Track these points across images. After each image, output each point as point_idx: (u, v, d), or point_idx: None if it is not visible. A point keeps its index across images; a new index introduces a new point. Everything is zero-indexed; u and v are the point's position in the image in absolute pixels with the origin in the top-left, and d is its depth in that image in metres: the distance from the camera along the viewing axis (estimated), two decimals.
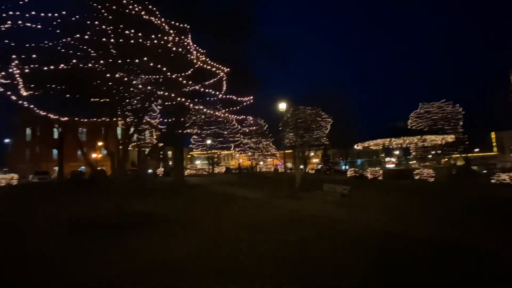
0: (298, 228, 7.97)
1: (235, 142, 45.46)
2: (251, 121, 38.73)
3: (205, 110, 9.36)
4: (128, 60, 7.30)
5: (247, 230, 7.75)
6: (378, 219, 9.19)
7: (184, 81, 8.63)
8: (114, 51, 8.32)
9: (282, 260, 5.50)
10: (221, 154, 54.93)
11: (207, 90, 9.93)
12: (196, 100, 10.80)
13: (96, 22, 7.64)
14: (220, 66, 11.05)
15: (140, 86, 7.59)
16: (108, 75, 6.93)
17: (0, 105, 25.61)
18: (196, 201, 14.33)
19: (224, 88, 11.52)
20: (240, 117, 11.02)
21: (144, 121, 15.15)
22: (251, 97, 11.75)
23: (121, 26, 7.95)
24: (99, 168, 29.86)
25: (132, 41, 7.30)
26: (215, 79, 11.45)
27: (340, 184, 15.77)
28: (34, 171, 36.58)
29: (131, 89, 9.79)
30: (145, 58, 7.28)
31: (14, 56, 6.75)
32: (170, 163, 48.77)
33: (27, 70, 6.84)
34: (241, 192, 17.62)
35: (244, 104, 11.60)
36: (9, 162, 48.93)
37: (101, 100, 14.11)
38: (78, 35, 7.97)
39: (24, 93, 8.80)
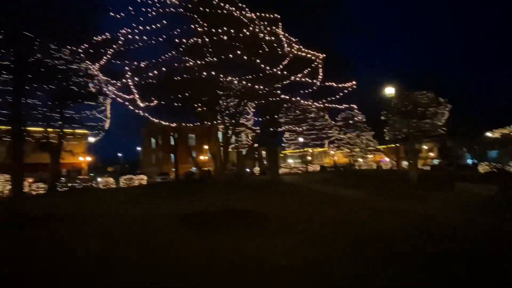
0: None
1: (329, 138, 43.02)
2: (355, 110, 34.98)
3: (302, 101, 8.44)
4: (223, 57, 7.12)
5: (356, 241, 6.32)
6: None
7: (279, 72, 7.95)
8: (210, 56, 8.36)
9: None
10: (314, 152, 53.16)
11: (303, 79, 8.99)
12: (290, 94, 9.98)
13: (192, 26, 7.84)
14: (315, 52, 9.94)
15: (235, 81, 7.31)
16: (204, 74, 6.90)
17: (133, 121, 31.64)
18: (295, 199, 13.53)
19: (321, 76, 10.32)
20: (341, 106, 9.57)
21: (241, 122, 15.45)
22: (354, 82, 10.12)
23: (214, 26, 7.91)
24: (206, 169, 33.04)
25: (225, 37, 7.10)
26: (310, 69, 10.38)
27: (476, 182, 12.08)
28: (158, 173, 44.05)
29: (228, 90, 9.82)
30: (239, 52, 6.93)
31: (127, 68, 7.50)
32: (265, 162, 50.34)
33: (135, 77, 7.51)
34: (341, 191, 15.84)
35: (345, 91, 10.09)
36: (140, 165, 60.83)
37: (203, 108, 14.88)
38: (180, 44, 8.38)
39: (141, 105, 9.89)
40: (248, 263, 5.14)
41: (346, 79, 10.97)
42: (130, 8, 8.31)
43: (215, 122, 12.18)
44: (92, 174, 44.17)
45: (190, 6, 8.48)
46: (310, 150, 47.33)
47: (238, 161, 36.40)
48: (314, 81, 9.38)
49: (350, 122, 41.11)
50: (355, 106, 10.02)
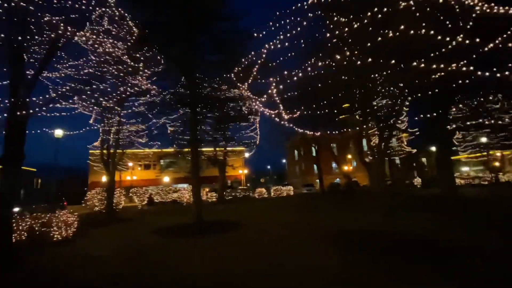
0: None
1: None
2: None
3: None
4: (380, 38, 5.66)
5: None
6: None
7: (467, 41, 5.56)
8: (358, 50, 7.07)
9: None
10: (506, 155, 38.67)
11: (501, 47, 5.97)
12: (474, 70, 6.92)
13: (331, 24, 6.91)
14: None
15: (399, 67, 5.62)
16: (359, 62, 5.69)
17: (278, 135, 33.98)
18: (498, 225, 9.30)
19: None
20: None
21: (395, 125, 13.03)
22: None
23: (362, 11, 6.62)
24: (353, 180, 30.65)
25: (379, 15, 5.65)
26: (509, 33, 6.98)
27: None
28: (302, 184, 45.04)
29: (384, 84, 8.12)
30: (402, 27, 5.28)
31: (271, 79, 7.39)
32: (426, 170, 41.20)
33: (280, 86, 7.26)
34: None
35: None
36: (287, 177, 64.62)
37: (346, 115, 13.39)
38: (322, 45, 7.70)
39: (286, 117, 9.75)
40: None
41: None
42: (270, 23, 8.27)
43: (364, 126, 10.48)
44: (249, 185, 50.70)
45: (329, 0, 7.56)
46: (497, 153, 34.85)
47: (391, 171, 31.36)
48: None
49: None
50: None
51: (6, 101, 6.76)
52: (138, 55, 11.20)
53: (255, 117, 25.46)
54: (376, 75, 7.77)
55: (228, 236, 9.57)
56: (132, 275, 5.93)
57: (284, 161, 66.65)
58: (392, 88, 8.79)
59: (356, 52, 6.64)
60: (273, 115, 9.77)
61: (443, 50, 5.71)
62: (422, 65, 5.20)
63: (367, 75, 7.76)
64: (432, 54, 6.00)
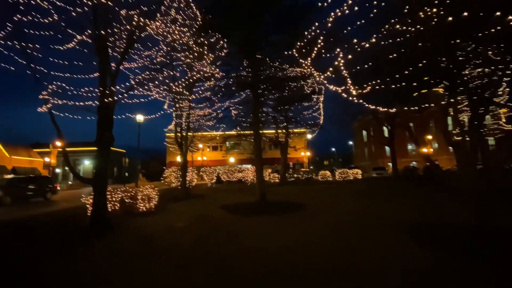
0: None
1: None
2: None
3: None
4: None
5: None
6: None
7: None
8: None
9: None
10: None
11: None
12: None
13: None
14: None
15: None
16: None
17: (344, 115, 31.87)
18: None
19: None
20: None
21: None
22: None
23: None
24: (435, 163, 27.08)
25: None
26: None
27: None
28: (372, 167, 41.94)
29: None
30: None
31: (338, 50, 6.68)
32: None
33: (348, 56, 6.50)
34: None
35: None
36: (353, 159, 61.15)
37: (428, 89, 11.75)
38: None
39: (354, 92, 8.90)
40: None
41: None
42: None
43: (452, 100, 8.95)
44: (312, 167, 49.76)
45: None
46: None
47: (483, 155, 26.38)
48: None
49: None
50: None
51: (96, 90, 7.81)
52: (202, 40, 11.58)
53: (318, 96, 24.24)
54: (471, 36, 6.40)
55: (291, 217, 9.53)
56: (205, 244, 6.48)
57: (350, 142, 62.96)
58: (490, 53, 7.21)
59: (441, 11, 5.46)
60: (339, 91, 9.03)
61: None
62: None
63: (458, 37, 6.44)
64: None
